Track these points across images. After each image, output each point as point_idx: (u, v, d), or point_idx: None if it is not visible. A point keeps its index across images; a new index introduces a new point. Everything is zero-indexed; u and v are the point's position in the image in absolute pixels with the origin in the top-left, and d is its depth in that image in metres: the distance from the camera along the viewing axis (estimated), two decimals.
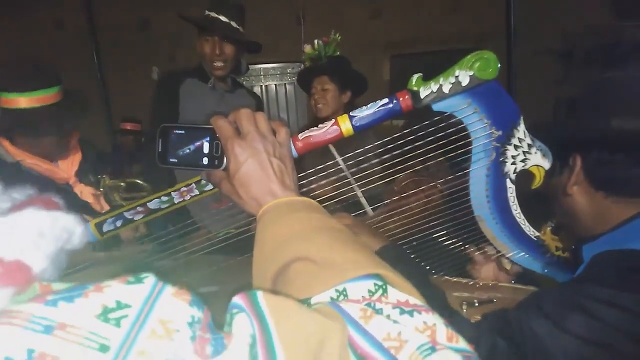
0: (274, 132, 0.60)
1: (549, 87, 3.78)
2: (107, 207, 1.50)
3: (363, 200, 1.08)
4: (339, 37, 2.01)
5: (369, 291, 0.41)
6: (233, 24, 1.83)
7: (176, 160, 0.61)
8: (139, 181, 1.45)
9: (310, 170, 0.89)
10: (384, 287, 0.41)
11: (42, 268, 0.29)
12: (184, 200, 0.91)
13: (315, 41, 2.01)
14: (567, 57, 3.74)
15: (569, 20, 3.75)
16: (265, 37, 2.07)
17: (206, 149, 0.59)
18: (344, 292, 0.41)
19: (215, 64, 1.85)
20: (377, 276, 0.42)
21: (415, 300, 0.41)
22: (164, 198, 0.91)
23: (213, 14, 1.81)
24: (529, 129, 0.86)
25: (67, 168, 1.57)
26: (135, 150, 3.85)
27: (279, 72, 4.65)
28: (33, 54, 4.14)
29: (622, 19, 3.37)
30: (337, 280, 0.42)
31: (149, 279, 0.29)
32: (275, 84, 4.71)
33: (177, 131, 0.61)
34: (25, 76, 1.41)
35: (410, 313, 0.38)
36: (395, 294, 0.41)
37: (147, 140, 3.70)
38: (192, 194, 0.90)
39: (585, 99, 0.84)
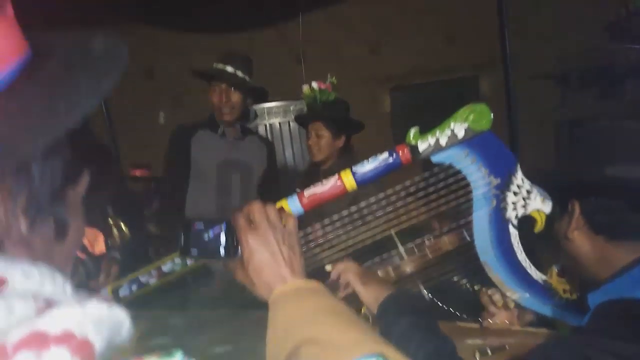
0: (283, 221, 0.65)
1: (549, 111, 3.82)
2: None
3: (397, 243, 1.11)
4: (335, 80, 2.03)
5: None
6: (239, 73, 2.00)
7: (197, 253, 0.66)
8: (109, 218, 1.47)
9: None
10: None
11: (101, 351, 0.34)
12: (195, 261, 0.94)
13: (312, 83, 2.03)
14: (564, 81, 3.80)
15: (565, 45, 3.82)
16: (267, 77, 2.14)
17: (223, 241, 0.64)
18: None
19: (222, 111, 2.00)
20: (378, 355, 0.45)
21: None
22: (177, 260, 0.94)
23: (220, 66, 2.00)
24: (526, 174, 0.88)
25: None
26: (145, 196, 3.89)
27: (281, 110, 4.74)
28: None
29: (615, 42, 3.44)
30: None
31: (179, 354, 0.35)
32: (279, 122, 4.79)
33: (197, 226, 0.67)
34: None
35: None
36: None
37: (157, 187, 3.76)
38: None
39: (579, 148, 0.86)
